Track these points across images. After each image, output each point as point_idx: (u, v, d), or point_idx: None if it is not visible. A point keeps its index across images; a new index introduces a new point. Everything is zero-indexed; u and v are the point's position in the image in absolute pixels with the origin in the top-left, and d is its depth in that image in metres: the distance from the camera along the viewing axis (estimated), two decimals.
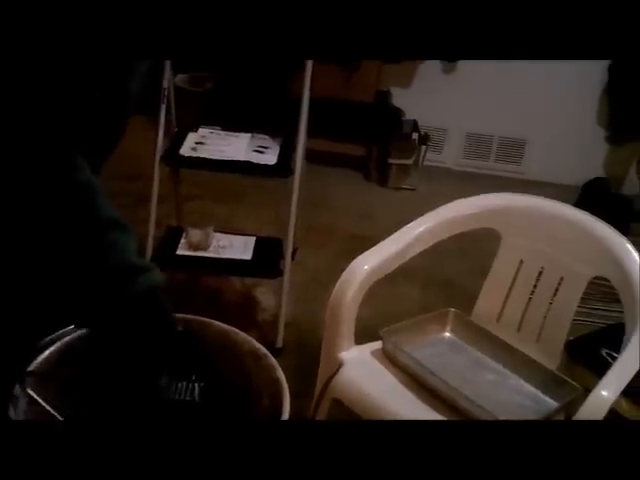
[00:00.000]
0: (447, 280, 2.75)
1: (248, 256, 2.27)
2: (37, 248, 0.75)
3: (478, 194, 1.73)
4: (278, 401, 0.88)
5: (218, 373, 0.84)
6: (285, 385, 0.88)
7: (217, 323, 1.01)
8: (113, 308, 0.77)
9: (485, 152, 3.68)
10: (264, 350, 0.95)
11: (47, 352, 0.88)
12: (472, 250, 2.65)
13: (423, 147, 3.45)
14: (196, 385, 0.81)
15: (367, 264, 1.53)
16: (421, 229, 1.63)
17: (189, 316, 1.01)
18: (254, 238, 2.39)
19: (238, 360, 0.98)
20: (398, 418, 1.42)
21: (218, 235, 2.35)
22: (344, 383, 1.48)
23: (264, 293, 2.59)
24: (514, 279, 1.67)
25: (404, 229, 1.64)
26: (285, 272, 2.23)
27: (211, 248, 2.28)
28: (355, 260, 1.54)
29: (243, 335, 0.98)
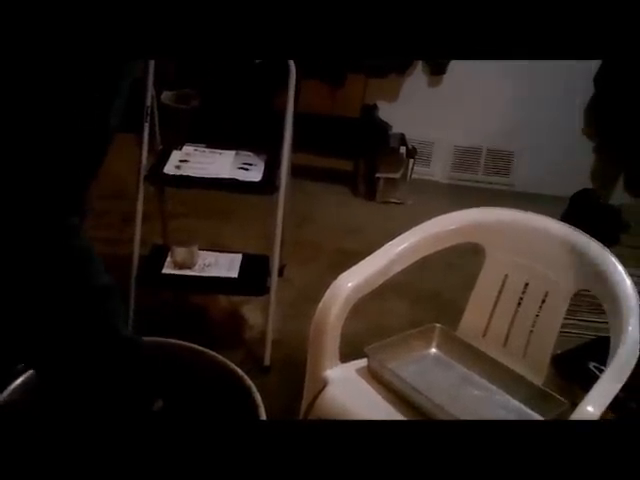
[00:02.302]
0: (435, 294, 2.74)
1: (234, 274, 2.26)
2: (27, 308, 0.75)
3: (467, 207, 1.73)
4: None
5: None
6: (261, 407, 0.87)
7: (192, 345, 1.00)
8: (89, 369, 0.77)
9: (473, 164, 3.69)
10: (240, 372, 0.93)
11: (23, 378, 0.87)
12: (460, 263, 2.64)
13: (411, 160, 3.45)
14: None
15: (350, 281, 1.52)
16: (404, 245, 1.62)
17: (164, 339, 1.00)
18: (240, 255, 2.37)
19: (212, 382, 0.96)
20: None
21: (204, 253, 2.33)
22: (329, 402, 1.46)
23: (251, 310, 2.57)
24: (499, 294, 1.66)
25: (387, 245, 1.63)
26: (272, 289, 2.22)
27: (196, 266, 2.27)
28: (339, 278, 1.52)
29: (219, 357, 0.97)
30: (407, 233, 1.66)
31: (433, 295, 2.74)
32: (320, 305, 1.51)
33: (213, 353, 0.96)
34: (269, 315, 2.24)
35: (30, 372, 0.90)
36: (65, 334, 0.74)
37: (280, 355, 2.27)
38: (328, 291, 1.51)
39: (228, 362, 0.94)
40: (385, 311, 2.50)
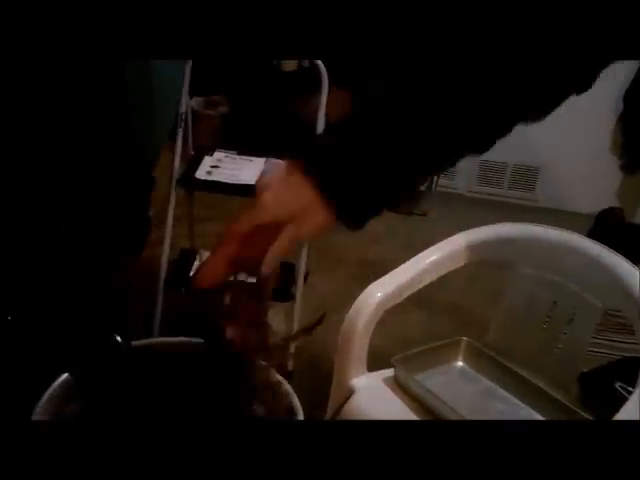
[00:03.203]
0: (456, 307, 2.75)
1: None
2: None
3: (490, 221, 1.74)
4: None
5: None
6: (300, 411, 0.88)
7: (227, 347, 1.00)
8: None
9: (498, 179, 3.69)
10: (279, 377, 0.95)
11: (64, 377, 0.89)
12: (480, 277, 2.65)
13: None
14: None
15: (380, 291, 1.53)
16: (433, 258, 1.63)
17: (197, 340, 1.01)
18: None
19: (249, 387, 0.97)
20: None
21: None
22: (355, 410, 1.48)
23: (274, 317, 2.58)
24: (526, 309, 1.67)
25: (416, 258, 1.64)
26: (297, 296, 2.24)
27: None
28: (367, 288, 1.54)
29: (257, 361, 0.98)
30: (435, 246, 1.68)
31: (454, 308, 2.74)
32: (348, 315, 1.53)
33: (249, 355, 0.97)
34: (294, 322, 2.26)
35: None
36: None
37: (303, 362, 2.28)
38: (357, 300, 1.53)
39: (264, 364, 0.95)
40: (406, 323, 2.51)
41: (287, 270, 2.35)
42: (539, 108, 0.74)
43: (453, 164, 0.77)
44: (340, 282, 2.86)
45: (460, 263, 1.67)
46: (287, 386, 0.95)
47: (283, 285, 2.29)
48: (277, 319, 2.54)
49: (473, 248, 1.68)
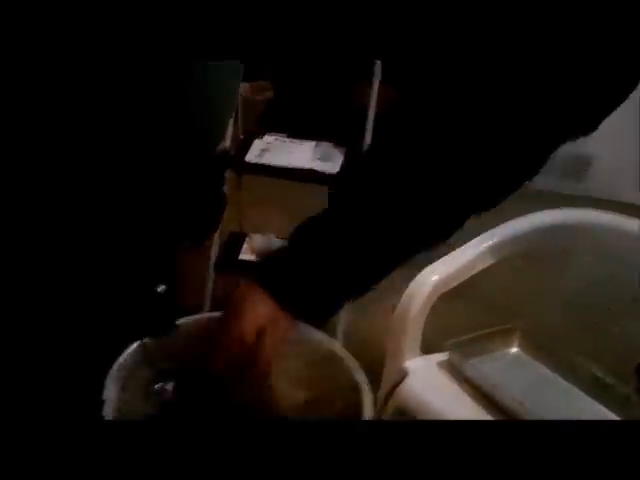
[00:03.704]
0: (502, 297, 2.71)
1: None
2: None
3: (540, 210, 1.71)
4: (356, 405, 0.88)
5: None
6: (366, 388, 0.87)
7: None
8: None
9: (549, 168, 3.61)
10: (344, 352, 0.94)
11: (136, 344, 0.90)
12: (525, 269, 2.61)
13: None
14: None
15: (435, 275, 1.52)
16: (490, 243, 1.62)
17: None
18: None
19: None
20: None
21: (278, 241, 2.36)
22: (408, 393, 1.47)
23: None
24: (583, 297, 1.64)
25: (472, 242, 1.62)
26: None
27: None
28: (422, 272, 1.53)
29: (320, 334, 0.98)
30: (492, 231, 1.66)
31: (500, 298, 2.71)
32: (404, 297, 1.52)
33: (321, 336, 0.97)
34: None
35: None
36: None
37: (350, 346, 2.27)
38: (412, 283, 1.52)
39: (337, 347, 0.95)
40: (451, 312, 2.48)
41: None
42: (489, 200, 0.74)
43: (410, 257, 0.77)
44: None
45: (517, 249, 1.65)
46: (352, 361, 0.95)
47: None
48: None
49: (531, 233, 1.66)
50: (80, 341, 0.90)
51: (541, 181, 3.42)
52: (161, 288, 0.80)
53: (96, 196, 0.76)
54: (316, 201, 3.12)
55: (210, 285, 2.25)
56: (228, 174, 2.27)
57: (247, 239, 2.33)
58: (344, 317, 2.26)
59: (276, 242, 2.33)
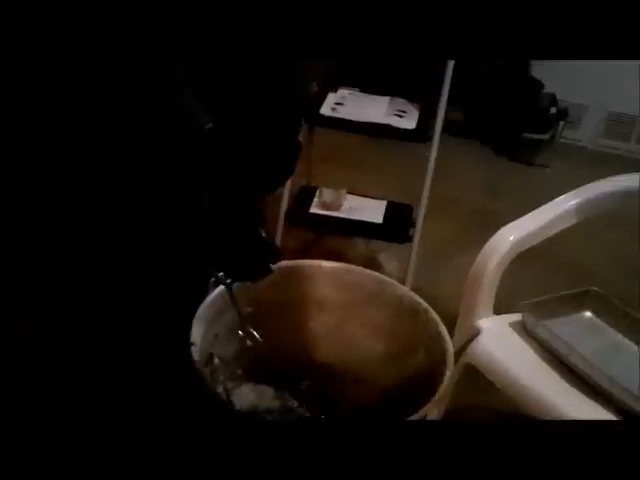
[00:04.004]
0: (575, 263, 2.66)
1: (379, 219, 2.29)
2: None
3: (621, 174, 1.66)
4: (438, 356, 0.89)
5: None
6: (449, 341, 0.88)
7: (375, 273, 1.02)
8: None
9: (626, 133, 3.51)
10: (425, 305, 0.95)
11: (220, 288, 0.92)
12: (602, 235, 2.55)
13: (561, 123, 3.33)
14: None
15: (513, 235, 1.50)
16: (569, 204, 1.59)
17: (347, 265, 1.03)
18: (385, 202, 2.39)
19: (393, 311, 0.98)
20: (533, 391, 1.40)
21: (350, 197, 2.37)
22: (481, 351, 1.47)
23: (388, 259, 2.59)
24: None
25: (551, 204, 1.60)
26: (415, 238, 2.23)
27: (342, 209, 2.31)
28: (501, 230, 1.52)
29: (402, 288, 0.99)
30: (572, 192, 1.63)
31: (573, 264, 2.66)
32: (480, 256, 1.51)
33: (394, 282, 0.98)
34: (409, 264, 2.26)
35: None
36: None
37: None
38: (490, 242, 1.51)
39: (419, 300, 0.96)
40: (522, 275, 2.45)
41: (405, 212, 2.34)
42: None
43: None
44: (455, 230, 2.83)
45: (595, 212, 1.61)
46: (434, 314, 0.96)
47: (400, 226, 2.29)
48: (392, 260, 2.56)
49: (611, 197, 1.62)
50: (170, 284, 0.93)
51: (622, 146, 3.32)
52: (263, 232, 0.81)
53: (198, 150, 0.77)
54: (386, 158, 3.12)
55: (280, 235, 2.27)
56: (302, 128, 2.27)
57: (317, 193, 2.34)
58: (413, 274, 2.26)
59: (346, 197, 2.34)
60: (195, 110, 0.75)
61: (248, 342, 0.91)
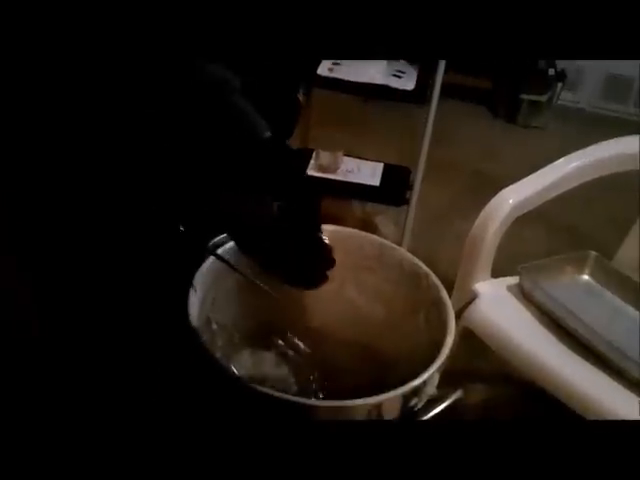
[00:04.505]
0: (572, 226, 2.66)
1: (376, 182, 2.27)
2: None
3: (612, 138, 1.64)
4: (439, 322, 0.88)
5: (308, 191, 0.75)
6: (450, 306, 0.87)
7: (374, 236, 1.00)
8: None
9: (624, 95, 3.47)
10: (426, 269, 0.94)
11: (219, 251, 0.91)
12: (599, 198, 2.55)
13: (559, 84, 3.29)
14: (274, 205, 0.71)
15: (512, 198, 1.49)
16: (570, 167, 1.57)
17: (346, 228, 1.02)
18: (382, 165, 2.37)
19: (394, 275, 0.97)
20: (530, 355, 1.40)
21: (347, 159, 2.35)
22: (478, 313, 1.47)
23: (384, 222, 2.58)
24: None
25: (551, 166, 1.58)
26: (412, 201, 2.22)
27: (339, 172, 2.29)
28: (500, 193, 1.50)
29: (403, 252, 0.97)
30: (572, 155, 1.61)
31: (571, 226, 2.66)
32: (479, 218, 1.50)
33: (395, 246, 0.97)
34: (405, 227, 2.25)
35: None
36: None
37: None
38: (489, 205, 1.50)
39: (419, 264, 0.94)
40: (523, 238, 2.44)
41: (402, 174, 2.32)
42: None
43: None
44: (452, 192, 2.81)
45: (597, 174, 1.60)
46: (435, 278, 0.94)
47: (397, 189, 2.27)
48: (389, 223, 2.54)
49: (612, 159, 1.60)
50: (167, 251, 0.91)
51: (620, 108, 3.29)
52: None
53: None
54: (383, 120, 3.09)
55: None
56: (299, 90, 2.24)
57: (314, 155, 2.31)
58: (409, 238, 2.26)
59: (343, 159, 2.31)
60: (256, 119, 0.72)
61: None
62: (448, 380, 1.61)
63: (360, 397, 0.75)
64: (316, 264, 0.74)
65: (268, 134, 0.70)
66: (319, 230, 0.73)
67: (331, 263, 0.76)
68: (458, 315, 1.50)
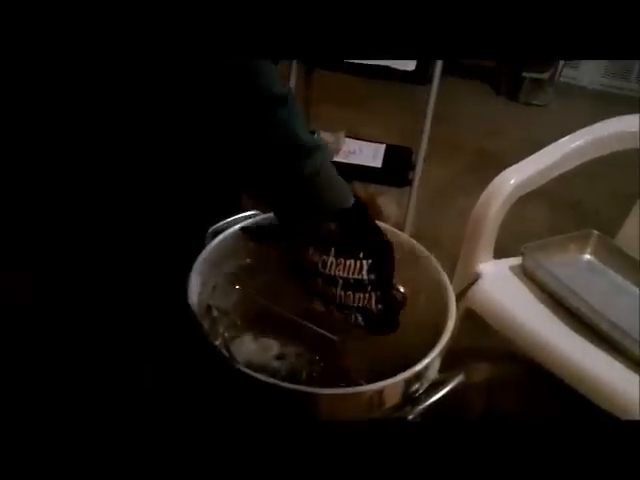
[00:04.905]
0: (577, 203, 2.65)
1: (378, 163, 2.26)
2: (204, 129, 0.75)
3: (614, 115, 1.63)
4: (439, 305, 0.88)
5: (387, 248, 0.81)
6: (450, 288, 0.87)
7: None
8: (281, 189, 0.77)
9: (626, 71, 3.44)
10: (426, 252, 0.94)
11: (219, 238, 0.91)
12: (603, 174, 2.53)
13: (560, 62, 3.26)
14: (364, 262, 0.79)
15: (514, 178, 1.49)
16: (572, 146, 1.56)
17: None
18: (384, 146, 2.36)
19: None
20: (533, 334, 1.41)
21: (348, 140, 2.34)
22: (481, 294, 1.47)
23: (387, 203, 2.57)
24: None
25: (553, 145, 1.57)
26: (414, 182, 2.21)
27: (341, 153, 2.28)
28: (502, 173, 1.50)
29: (403, 235, 0.97)
30: (574, 134, 1.60)
31: (574, 204, 2.65)
32: (481, 199, 1.50)
33: (397, 231, 0.97)
34: (409, 207, 2.25)
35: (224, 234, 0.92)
36: (246, 143, 0.74)
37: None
38: (491, 184, 1.49)
39: (419, 246, 0.94)
40: (527, 217, 2.44)
41: (405, 155, 2.31)
42: None
43: None
44: (455, 171, 2.80)
45: (599, 153, 1.59)
46: (434, 261, 0.94)
47: (400, 170, 2.26)
48: (391, 204, 2.54)
49: (615, 137, 1.59)
50: (167, 238, 0.91)
51: (622, 85, 3.26)
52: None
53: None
54: (385, 99, 3.08)
55: None
56: (298, 70, 2.23)
57: (315, 136, 2.31)
58: (411, 218, 2.25)
59: (344, 140, 2.30)
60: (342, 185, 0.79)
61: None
62: (452, 361, 1.62)
63: (362, 382, 0.75)
64: (393, 312, 0.81)
65: (352, 200, 0.78)
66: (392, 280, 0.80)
67: (401, 307, 0.82)
68: (461, 296, 1.51)
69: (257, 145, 0.73)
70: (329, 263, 0.78)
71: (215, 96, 0.71)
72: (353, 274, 0.78)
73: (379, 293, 0.79)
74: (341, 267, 0.78)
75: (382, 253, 0.80)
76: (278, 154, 0.73)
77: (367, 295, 0.79)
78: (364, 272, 0.78)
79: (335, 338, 0.83)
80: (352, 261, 0.78)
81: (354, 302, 0.79)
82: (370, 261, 0.78)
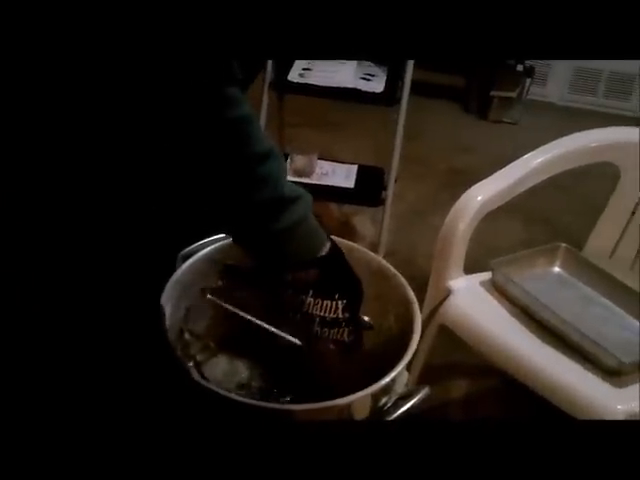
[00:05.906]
0: (547, 216, 2.70)
1: (351, 184, 2.29)
2: (186, 174, 0.76)
3: (582, 130, 1.68)
4: (407, 321, 0.90)
5: (358, 287, 0.85)
6: (416, 304, 0.89)
7: (343, 240, 1.02)
8: (260, 241, 0.79)
9: (592, 87, 3.52)
10: (393, 270, 0.96)
11: (190, 262, 0.92)
12: (570, 186, 2.59)
13: (527, 79, 3.33)
14: (339, 302, 0.82)
15: (481, 195, 1.52)
16: (538, 161, 1.60)
17: None
18: (356, 166, 2.40)
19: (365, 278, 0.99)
20: (505, 348, 1.43)
21: (321, 162, 2.37)
22: (453, 310, 1.50)
23: (362, 222, 2.61)
24: (632, 215, 1.63)
25: (519, 161, 1.61)
26: (387, 201, 2.24)
27: (314, 175, 2.31)
28: (469, 190, 1.53)
29: (371, 254, 0.99)
30: (539, 150, 1.64)
31: (545, 217, 2.70)
32: (449, 216, 1.53)
33: (365, 249, 0.99)
34: (383, 227, 2.28)
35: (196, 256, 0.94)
36: (226, 196, 0.76)
37: (393, 264, 2.30)
38: (458, 202, 1.52)
39: (386, 265, 0.96)
40: (498, 231, 2.48)
41: (377, 175, 2.34)
42: None
43: None
44: (427, 190, 2.84)
45: (566, 167, 1.63)
46: (401, 278, 0.96)
47: (373, 189, 2.30)
48: (363, 224, 2.57)
49: (580, 151, 1.64)
50: (137, 263, 0.92)
51: (589, 100, 3.33)
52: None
53: None
54: (357, 121, 3.12)
55: None
56: (270, 94, 2.25)
57: (289, 160, 2.33)
58: (386, 237, 2.28)
59: (317, 163, 2.33)
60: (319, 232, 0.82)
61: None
62: (429, 377, 1.64)
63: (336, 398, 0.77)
64: (358, 337, 0.86)
65: (328, 246, 0.81)
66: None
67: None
68: (434, 312, 1.53)
69: (238, 200, 0.74)
70: (307, 303, 0.81)
71: (198, 154, 0.72)
72: (329, 313, 0.82)
73: (351, 327, 0.84)
74: (318, 307, 0.82)
75: (355, 292, 0.84)
76: (258, 209, 0.74)
77: (341, 330, 0.83)
78: (339, 311, 0.82)
79: (301, 344, 0.85)
80: (329, 302, 0.82)
81: (329, 336, 0.83)
82: (345, 301, 0.82)
